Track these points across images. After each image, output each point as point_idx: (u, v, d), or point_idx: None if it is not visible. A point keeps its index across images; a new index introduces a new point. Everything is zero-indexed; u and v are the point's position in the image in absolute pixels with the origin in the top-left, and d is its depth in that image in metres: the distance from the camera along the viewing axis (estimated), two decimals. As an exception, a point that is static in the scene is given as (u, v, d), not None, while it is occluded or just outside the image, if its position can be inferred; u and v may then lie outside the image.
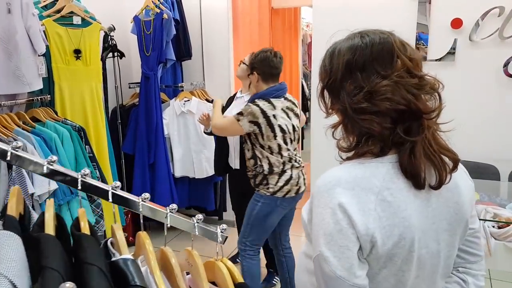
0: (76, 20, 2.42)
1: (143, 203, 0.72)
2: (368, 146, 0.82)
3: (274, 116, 2.00)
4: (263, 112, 1.98)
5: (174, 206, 0.75)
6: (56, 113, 2.36)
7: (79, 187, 0.75)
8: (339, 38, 0.90)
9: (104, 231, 2.60)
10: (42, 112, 2.25)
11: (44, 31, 2.23)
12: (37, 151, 2.04)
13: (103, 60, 2.82)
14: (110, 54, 2.92)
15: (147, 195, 0.77)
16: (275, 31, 4.54)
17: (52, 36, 2.33)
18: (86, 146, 2.38)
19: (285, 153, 2.05)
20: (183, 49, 3.16)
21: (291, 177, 2.07)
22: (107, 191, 0.74)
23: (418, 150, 0.79)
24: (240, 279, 0.78)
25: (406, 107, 0.78)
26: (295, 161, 2.11)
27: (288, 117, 2.07)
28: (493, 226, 1.70)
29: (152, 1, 2.83)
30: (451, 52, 2.72)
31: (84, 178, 0.75)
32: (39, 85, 2.21)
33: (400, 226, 0.78)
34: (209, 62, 3.33)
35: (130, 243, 3.27)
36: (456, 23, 2.69)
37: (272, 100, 2.03)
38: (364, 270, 0.79)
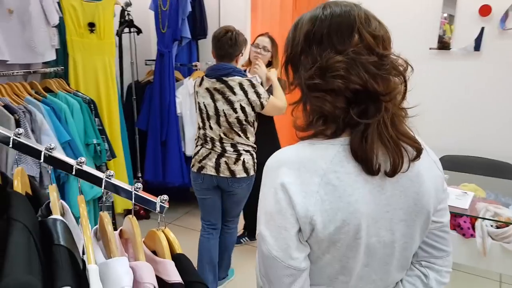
0: (91, -7, 2.46)
1: (107, 180, 0.72)
2: (319, 126, 0.78)
3: (196, 92, 2.12)
4: (194, 86, 2.16)
5: (112, 172, 0.75)
6: (69, 85, 2.42)
7: (42, 160, 0.76)
8: None
9: (112, 202, 2.69)
10: (55, 83, 2.32)
11: (58, 3, 2.28)
12: (46, 119, 2.11)
13: (119, 35, 2.86)
14: (127, 30, 2.95)
15: (111, 172, 0.77)
16: (299, 14, 4.42)
17: (67, 8, 2.37)
18: (96, 119, 2.44)
19: (201, 131, 2.12)
20: (199, 27, 3.15)
21: (197, 152, 2.13)
22: (72, 166, 0.75)
23: (371, 134, 0.74)
24: (179, 250, 0.78)
25: (362, 87, 0.73)
26: (212, 143, 2.06)
27: (213, 98, 2.03)
28: (491, 226, 1.60)
29: (170, -22, 2.83)
30: (477, 41, 2.55)
31: (50, 152, 0.76)
32: (51, 56, 2.28)
33: (344, 211, 0.74)
34: (225, 42, 3.29)
35: (142, 216, 3.35)
36: (485, 11, 2.51)
37: (205, 77, 2.08)
38: (303, 252, 0.77)
